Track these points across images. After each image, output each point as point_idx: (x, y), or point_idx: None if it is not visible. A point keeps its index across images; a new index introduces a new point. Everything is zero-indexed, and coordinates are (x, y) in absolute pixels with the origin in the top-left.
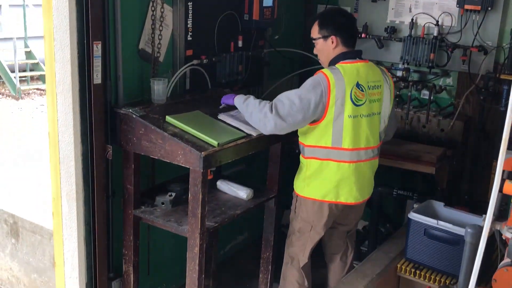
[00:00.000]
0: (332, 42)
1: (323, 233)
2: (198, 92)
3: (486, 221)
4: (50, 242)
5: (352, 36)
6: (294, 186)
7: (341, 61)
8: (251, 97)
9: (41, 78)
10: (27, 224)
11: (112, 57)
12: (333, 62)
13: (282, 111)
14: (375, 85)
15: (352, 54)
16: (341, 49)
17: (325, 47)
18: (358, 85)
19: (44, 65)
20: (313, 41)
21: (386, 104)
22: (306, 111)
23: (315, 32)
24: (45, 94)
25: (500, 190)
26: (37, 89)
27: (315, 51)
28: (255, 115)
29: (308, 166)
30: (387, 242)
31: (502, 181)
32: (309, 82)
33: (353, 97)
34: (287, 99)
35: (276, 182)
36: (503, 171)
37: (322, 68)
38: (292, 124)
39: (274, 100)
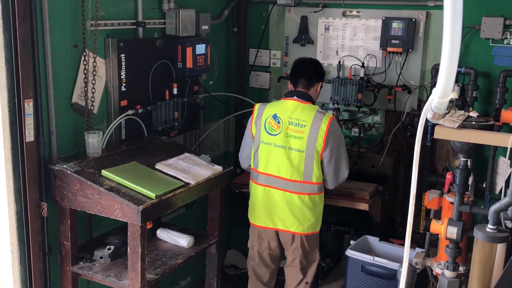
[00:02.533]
0: (290, 86)
1: (260, 256)
2: (134, 141)
3: (403, 270)
4: None
5: (294, 78)
6: None
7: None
8: None
9: None
10: None
11: (45, 113)
12: None
13: (240, 151)
14: (298, 123)
15: (289, 93)
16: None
17: None
18: (274, 116)
19: None
20: None
21: (311, 145)
22: (247, 139)
23: None
24: None
25: (427, 229)
26: None
27: None
28: None
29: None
30: (327, 279)
31: (429, 220)
32: None
33: (267, 125)
34: None
35: (217, 227)
36: (430, 210)
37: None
38: (243, 153)
39: None
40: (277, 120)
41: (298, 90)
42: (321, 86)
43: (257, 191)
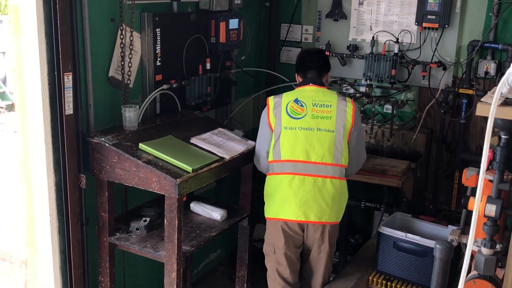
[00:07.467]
0: (298, 78)
1: (287, 257)
2: (168, 115)
3: (466, 254)
4: (21, 269)
5: (305, 69)
6: None
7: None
8: None
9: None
10: None
11: (83, 86)
12: None
13: (256, 149)
14: (323, 104)
15: (305, 81)
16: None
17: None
18: (296, 100)
19: (3, 83)
20: None
21: (341, 124)
22: (265, 133)
23: None
24: (4, 111)
25: (465, 206)
26: None
27: None
28: None
29: (265, 183)
30: (357, 255)
31: (467, 198)
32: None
33: (289, 109)
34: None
35: (249, 201)
36: (467, 187)
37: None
38: (264, 148)
39: None
40: (300, 104)
41: (312, 78)
42: (330, 76)
43: (281, 182)
